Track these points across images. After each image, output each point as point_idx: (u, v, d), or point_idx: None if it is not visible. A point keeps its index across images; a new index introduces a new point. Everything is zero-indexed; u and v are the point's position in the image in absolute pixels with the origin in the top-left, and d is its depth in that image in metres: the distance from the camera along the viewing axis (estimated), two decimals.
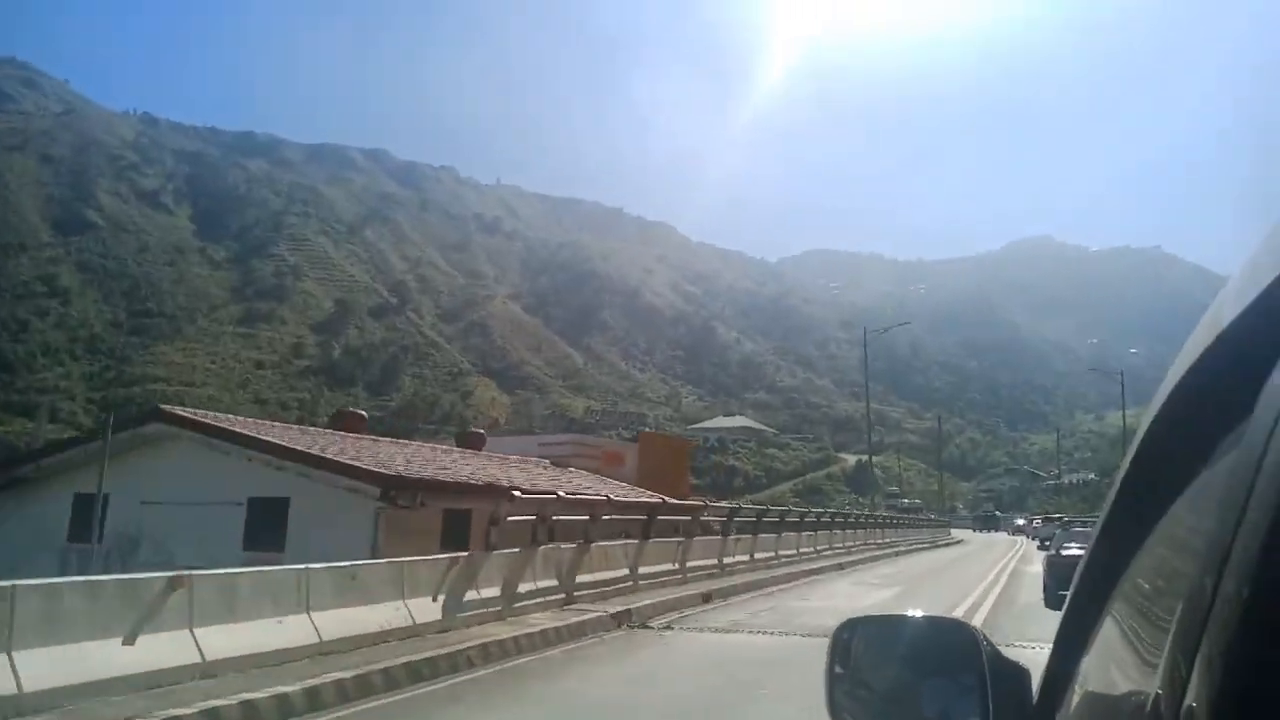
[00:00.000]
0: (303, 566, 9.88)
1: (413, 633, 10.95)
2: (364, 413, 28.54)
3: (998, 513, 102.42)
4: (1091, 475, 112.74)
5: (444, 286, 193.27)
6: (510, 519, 13.80)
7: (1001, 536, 69.83)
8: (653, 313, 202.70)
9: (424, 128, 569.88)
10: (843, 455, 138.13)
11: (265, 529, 18.38)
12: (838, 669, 1.54)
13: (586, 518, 16.19)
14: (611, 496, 17.41)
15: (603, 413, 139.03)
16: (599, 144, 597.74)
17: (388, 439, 25.69)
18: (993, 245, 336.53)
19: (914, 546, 45.31)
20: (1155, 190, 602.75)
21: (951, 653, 1.39)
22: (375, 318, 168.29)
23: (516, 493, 13.42)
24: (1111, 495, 1.12)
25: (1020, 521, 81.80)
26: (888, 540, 44.01)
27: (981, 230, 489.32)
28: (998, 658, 1.35)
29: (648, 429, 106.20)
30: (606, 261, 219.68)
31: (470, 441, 29.64)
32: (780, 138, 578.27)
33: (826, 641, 1.58)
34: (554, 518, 14.84)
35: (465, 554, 12.55)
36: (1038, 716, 1.31)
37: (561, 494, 15.05)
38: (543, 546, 14.36)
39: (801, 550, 28.73)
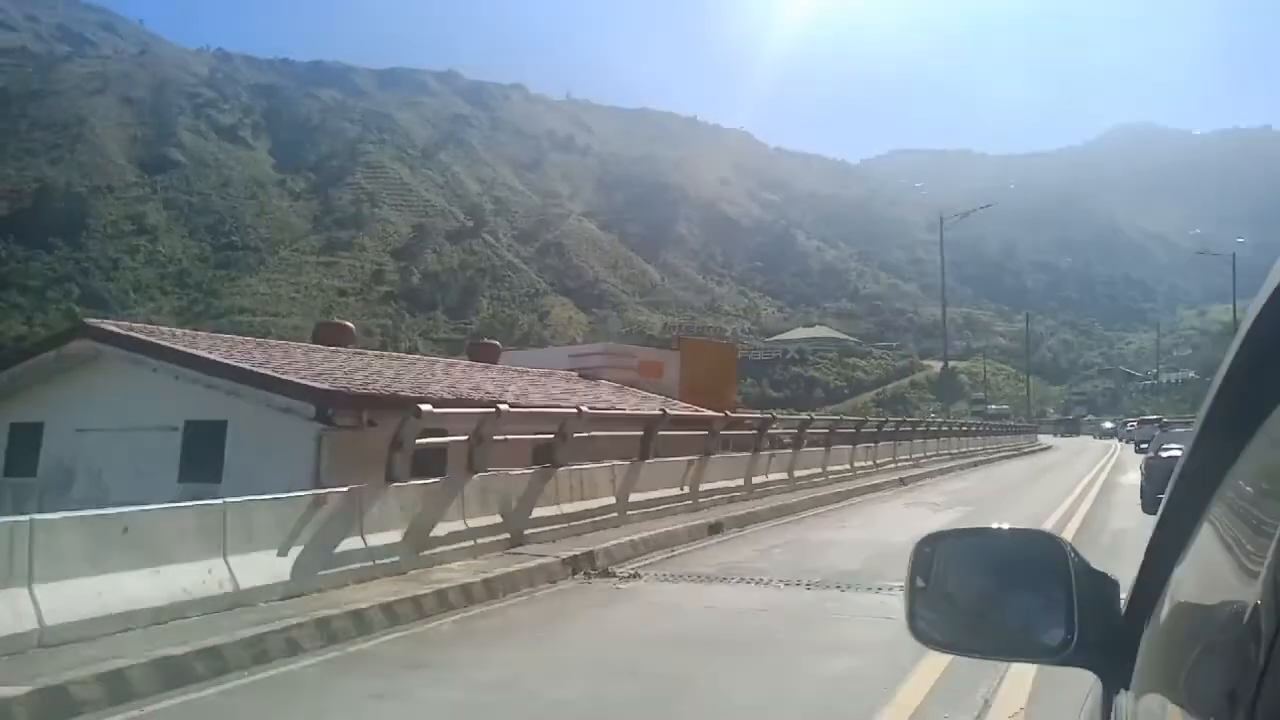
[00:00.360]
0: (26, 518, 6.81)
1: (237, 602, 7.87)
2: (350, 324, 25.67)
3: (1089, 415, 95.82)
4: (1192, 373, 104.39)
5: (519, 207, 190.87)
6: (430, 441, 10.62)
7: (1090, 442, 64.51)
8: (730, 223, 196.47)
9: (492, 46, 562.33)
10: (928, 362, 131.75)
11: (202, 458, 15.76)
12: (919, 582, 1.49)
13: (552, 435, 12.95)
14: (586, 408, 14.00)
15: (680, 328, 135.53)
16: (669, 52, 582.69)
17: (368, 351, 22.82)
18: (1089, 134, 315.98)
19: (994, 456, 41.50)
20: (1264, 64, 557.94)
21: (1037, 565, 1.35)
22: (453, 241, 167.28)
23: (426, 406, 10.14)
24: (1213, 391, 1.00)
25: (1108, 425, 75.56)
26: (964, 450, 40.05)
27: (1077, 119, 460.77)
28: (1086, 569, 1.31)
29: (726, 342, 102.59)
30: (681, 173, 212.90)
31: (482, 353, 26.53)
32: (859, 31, 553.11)
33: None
34: (499, 438, 11.62)
35: (343, 489, 9.39)
36: (1126, 628, 1.27)
37: (505, 406, 11.71)
38: (478, 474, 11.15)
39: (857, 465, 25.06)
